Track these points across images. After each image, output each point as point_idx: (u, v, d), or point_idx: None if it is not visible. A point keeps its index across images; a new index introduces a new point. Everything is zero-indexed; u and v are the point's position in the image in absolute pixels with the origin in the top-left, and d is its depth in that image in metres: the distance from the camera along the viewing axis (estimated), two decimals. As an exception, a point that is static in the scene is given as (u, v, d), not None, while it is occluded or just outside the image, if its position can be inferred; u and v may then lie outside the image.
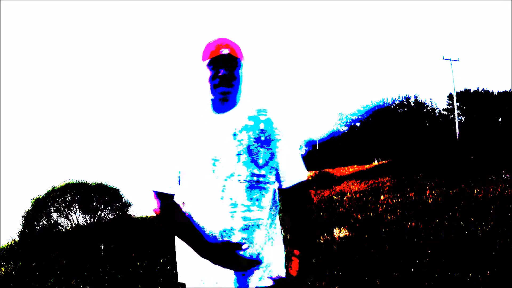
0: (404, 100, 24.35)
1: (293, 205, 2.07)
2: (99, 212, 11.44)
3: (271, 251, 2.04)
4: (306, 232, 2.10)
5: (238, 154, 1.96)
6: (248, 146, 1.97)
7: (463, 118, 32.24)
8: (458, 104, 31.61)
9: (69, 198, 11.48)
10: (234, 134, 1.97)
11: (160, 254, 7.65)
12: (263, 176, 1.99)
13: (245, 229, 1.94)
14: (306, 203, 2.12)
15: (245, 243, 1.92)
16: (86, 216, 11.31)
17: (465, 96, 33.79)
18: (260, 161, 1.99)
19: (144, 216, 12.23)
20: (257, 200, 1.98)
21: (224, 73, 1.95)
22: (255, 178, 1.97)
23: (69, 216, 11.87)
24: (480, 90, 35.13)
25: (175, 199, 2.02)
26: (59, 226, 11.98)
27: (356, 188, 14.19)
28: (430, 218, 7.83)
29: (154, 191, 2.01)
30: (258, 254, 1.99)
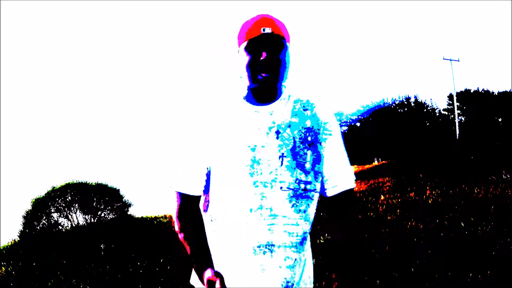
0: (404, 100, 24.35)
1: (340, 216, 1.76)
2: (99, 212, 11.45)
3: (308, 270, 1.75)
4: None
5: (281, 157, 1.62)
6: (293, 148, 1.64)
7: (463, 118, 32.27)
8: (458, 104, 31.62)
9: (69, 198, 11.50)
10: (277, 132, 1.63)
11: (160, 253, 7.65)
12: (310, 183, 1.66)
13: (290, 245, 1.63)
14: (355, 215, 1.78)
15: None
16: (86, 216, 11.33)
17: (465, 96, 33.81)
18: (307, 165, 1.66)
19: (145, 216, 12.25)
20: (304, 211, 1.65)
21: (267, 56, 1.57)
22: (302, 186, 1.65)
23: (69, 216, 11.87)
24: (480, 90, 35.15)
25: (200, 202, 1.73)
26: (59, 226, 11.99)
27: (356, 188, 14.19)
28: (430, 218, 7.83)
29: (177, 192, 1.69)
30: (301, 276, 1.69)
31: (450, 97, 32.51)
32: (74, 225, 11.52)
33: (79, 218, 11.39)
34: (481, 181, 11.40)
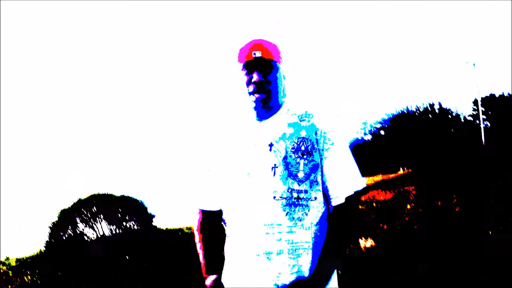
0: (428, 107, 23.99)
1: (336, 225, 1.79)
2: (124, 223, 11.60)
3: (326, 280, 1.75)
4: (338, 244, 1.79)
5: (274, 168, 1.69)
6: (285, 158, 1.70)
7: (488, 124, 31.63)
8: (483, 109, 31.02)
9: (95, 209, 11.67)
10: (270, 145, 1.72)
11: (187, 269, 7.65)
12: (304, 191, 1.70)
13: (286, 252, 1.68)
14: (349, 225, 1.79)
15: None
16: (111, 227, 11.47)
17: (490, 101, 33.12)
18: (300, 174, 1.71)
19: (169, 227, 12.32)
20: (300, 220, 1.69)
21: (258, 78, 1.73)
22: (295, 194, 1.69)
23: (95, 227, 12.05)
24: (505, 95, 34.40)
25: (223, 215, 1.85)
26: (84, 237, 12.17)
27: (382, 197, 14.00)
28: (458, 226, 7.67)
29: (199, 209, 1.87)
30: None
31: (475, 102, 31.93)
32: (99, 236, 11.67)
33: (104, 228, 11.55)
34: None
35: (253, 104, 1.76)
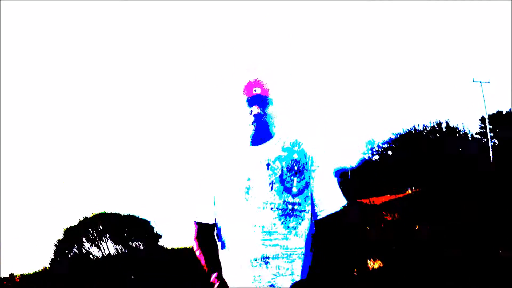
0: (436, 126, 23.90)
1: (323, 236, 2.04)
2: (130, 243, 11.52)
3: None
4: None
5: (271, 183, 1.98)
6: (281, 175, 2.00)
7: (496, 141, 31.42)
8: (490, 127, 30.84)
9: (101, 228, 11.62)
10: (268, 164, 2.02)
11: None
12: (298, 204, 1.99)
13: (281, 257, 1.93)
14: (335, 234, 2.06)
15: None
16: (117, 246, 11.40)
17: (497, 119, 32.94)
18: (294, 190, 2.00)
19: (175, 247, 12.23)
20: (294, 228, 1.96)
21: (256, 113, 2.06)
22: (290, 206, 1.97)
23: (100, 246, 11.98)
24: (513, 112, 34.20)
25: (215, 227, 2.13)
26: (90, 255, 12.10)
27: (390, 218, 13.88)
28: (468, 245, 7.57)
29: (194, 221, 2.13)
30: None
31: (482, 120, 31.77)
32: (105, 255, 11.60)
33: (110, 248, 11.49)
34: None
35: (252, 132, 2.07)
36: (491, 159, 26.84)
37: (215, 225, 2.11)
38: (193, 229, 2.15)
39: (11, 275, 12.28)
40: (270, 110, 2.10)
